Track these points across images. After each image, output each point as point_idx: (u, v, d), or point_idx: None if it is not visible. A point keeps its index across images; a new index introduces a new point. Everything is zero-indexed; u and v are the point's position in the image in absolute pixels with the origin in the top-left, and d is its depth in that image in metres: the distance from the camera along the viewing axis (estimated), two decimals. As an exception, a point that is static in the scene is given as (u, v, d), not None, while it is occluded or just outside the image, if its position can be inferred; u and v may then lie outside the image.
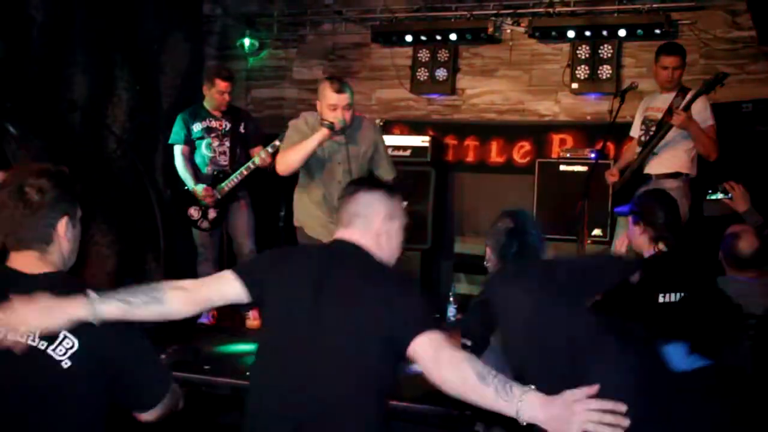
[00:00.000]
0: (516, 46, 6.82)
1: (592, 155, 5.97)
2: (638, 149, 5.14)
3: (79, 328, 2.08)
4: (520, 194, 6.39)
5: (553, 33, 6.57)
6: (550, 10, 6.61)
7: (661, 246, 3.27)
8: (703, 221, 5.01)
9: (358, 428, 2.25)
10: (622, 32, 6.36)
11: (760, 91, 5.93)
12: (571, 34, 6.49)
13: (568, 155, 6.26)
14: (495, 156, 6.85)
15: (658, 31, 6.21)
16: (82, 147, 6.15)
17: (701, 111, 4.86)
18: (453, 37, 6.87)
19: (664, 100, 5.03)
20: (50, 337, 2.06)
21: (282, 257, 2.55)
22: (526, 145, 6.74)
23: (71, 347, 2.07)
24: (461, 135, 6.95)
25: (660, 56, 5.06)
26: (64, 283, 2.18)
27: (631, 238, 3.40)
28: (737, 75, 6.08)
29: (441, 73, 6.94)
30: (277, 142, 5.55)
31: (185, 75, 7.11)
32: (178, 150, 5.75)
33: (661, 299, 3.11)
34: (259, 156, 5.51)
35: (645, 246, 3.30)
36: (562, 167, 6.17)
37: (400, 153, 6.54)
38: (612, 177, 5.20)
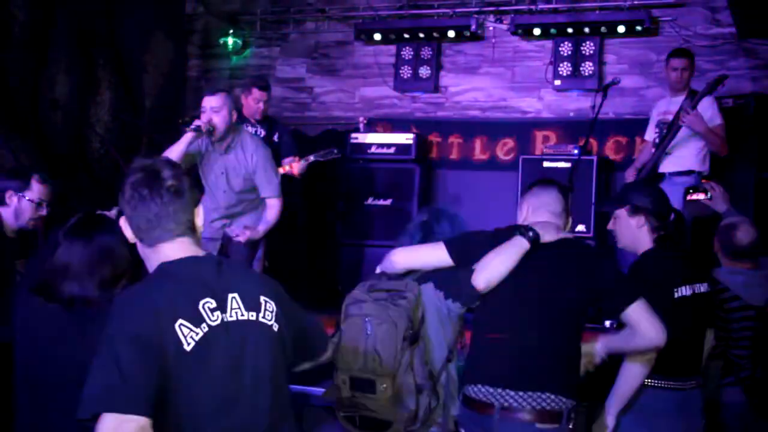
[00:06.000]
0: (499, 44, 6.84)
1: (575, 151, 6.00)
2: (653, 150, 5.40)
3: None
4: (503, 191, 6.41)
5: (536, 30, 6.59)
6: (532, 7, 6.64)
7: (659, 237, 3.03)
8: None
9: None
10: (603, 29, 6.40)
11: (739, 87, 5.99)
12: (553, 31, 6.52)
13: (551, 152, 6.29)
14: (479, 153, 6.87)
15: (639, 28, 6.26)
16: (64, 146, 6.13)
17: (708, 110, 5.14)
18: (436, 34, 6.88)
19: (675, 103, 5.30)
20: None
21: None
22: (510, 142, 6.76)
23: None
24: (445, 132, 6.95)
25: (669, 59, 5.41)
26: None
27: (624, 231, 3.07)
28: (717, 71, 6.13)
29: (424, 71, 6.95)
30: (311, 157, 5.63)
31: (168, 74, 7.09)
32: None
33: (676, 294, 2.95)
34: (286, 165, 5.60)
35: (644, 238, 3.04)
36: (546, 164, 6.18)
37: (384, 150, 6.56)
38: (630, 177, 5.44)
